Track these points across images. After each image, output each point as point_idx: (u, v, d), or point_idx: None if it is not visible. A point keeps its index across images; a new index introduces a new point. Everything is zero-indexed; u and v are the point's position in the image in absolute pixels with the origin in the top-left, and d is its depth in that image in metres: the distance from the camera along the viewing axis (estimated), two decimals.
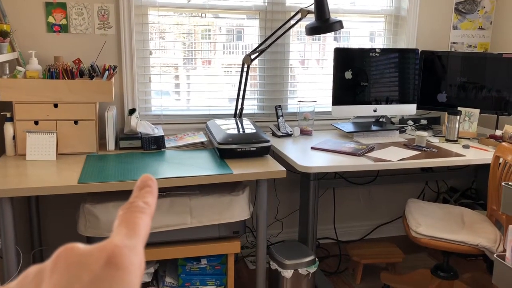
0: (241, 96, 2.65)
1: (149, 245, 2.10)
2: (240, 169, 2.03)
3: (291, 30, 2.77)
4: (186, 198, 2.08)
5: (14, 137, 2.18)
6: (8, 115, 2.19)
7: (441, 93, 2.95)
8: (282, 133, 2.67)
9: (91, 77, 2.26)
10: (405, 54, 2.81)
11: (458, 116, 2.65)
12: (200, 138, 2.48)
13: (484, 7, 3.15)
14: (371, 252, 2.75)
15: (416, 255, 3.05)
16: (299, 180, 2.98)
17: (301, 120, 2.74)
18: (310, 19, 2.55)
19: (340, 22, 2.44)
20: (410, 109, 2.86)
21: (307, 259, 2.24)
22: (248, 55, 2.57)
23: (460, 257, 3.01)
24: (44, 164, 2.06)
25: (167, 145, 2.39)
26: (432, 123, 3.08)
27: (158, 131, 2.42)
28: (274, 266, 2.26)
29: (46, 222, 2.64)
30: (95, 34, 2.49)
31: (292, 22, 2.62)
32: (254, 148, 2.17)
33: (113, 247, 0.27)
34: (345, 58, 2.71)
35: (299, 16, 2.55)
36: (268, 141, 2.20)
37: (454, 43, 3.15)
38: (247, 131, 2.27)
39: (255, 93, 2.89)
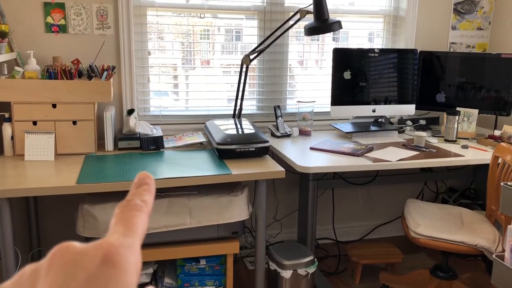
0: (240, 97, 2.65)
1: (148, 245, 2.10)
2: (239, 170, 2.02)
3: (290, 30, 2.77)
4: (185, 198, 2.08)
5: (12, 138, 2.17)
6: (7, 115, 2.18)
7: (440, 93, 2.95)
8: (281, 133, 2.67)
9: (89, 78, 2.26)
10: (404, 55, 2.81)
11: (457, 116, 2.65)
12: (199, 138, 2.48)
13: (483, 8, 3.15)
14: (370, 252, 2.75)
15: (415, 255, 3.05)
16: (298, 180, 2.98)
17: (300, 121, 2.74)
18: (309, 19, 2.55)
19: (339, 22, 2.44)
20: (409, 109, 2.86)
21: (306, 259, 2.23)
22: (247, 56, 2.57)
23: (459, 257, 3.01)
24: (42, 164, 2.05)
25: (166, 145, 2.39)
26: (431, 123, 3.08)
27: (156, 132, 2.41)
28: (273, 266, 2.25)
29: (45, 222, 2.63)
30: (93, 35, 2.49)
31: (291, 22, 2.62)
32: (253, 149, 2.17)
33: (109, 245, 0.27)
34: (344, 59, 2.71)
35: (298, 16, 2.55)
36: (267, 142, 2.20)
37: (452, 43, 3.15)
38: (246, 131, 2.27)
39: (254, 94, 2.89)
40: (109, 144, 2.31)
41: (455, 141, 2.66)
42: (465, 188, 3.30)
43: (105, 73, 2.26)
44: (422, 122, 3.02)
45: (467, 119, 2.77)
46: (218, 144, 2.16)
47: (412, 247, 3.15)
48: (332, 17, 2.49)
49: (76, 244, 0.27)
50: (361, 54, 2.74)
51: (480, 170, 3.14)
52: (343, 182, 2.98)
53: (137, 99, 2.64)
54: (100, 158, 2.18)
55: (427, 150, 2.45)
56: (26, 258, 2.56)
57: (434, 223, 2.24)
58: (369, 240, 3.27)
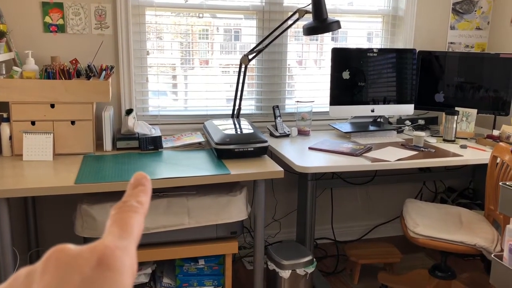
0: (238, 96, 2.65)
1: (147, 245, 2.09)
2: (237, 170, 2.02)
3: (289, 30, 2.77)
4: (184, 198, 2.08)
5: (10, 138, 2.17)
6: (5, 115, 2.18)
7: (439, 93, 2.95)
8: (280, 133, 2.67)
9: (88, 77, 2.26)
10: (403, 54, 2.81)
11: (456, 116, 2.65)
12: (198, 138, 2.47)
13: (481, 7, 3.15)
14: (369, 252, 2.75)
15: (414, 255, 3.05)
16: (297, 180, 2.98)
17: (298, 120, 2.74)
18: (308, 19, 2.55)
19: (337, 22, 2.44)
20: (408, 109, 2.87)
21: (305, 259, 2.23)
22: (246, 55, 2.57)
23: (458, 257, 3.01)
24: (40, 164, 2.05)
25: (164, 145, 2.39)
26: (430, 123, 3.08)
27: (155, 132, 2.41)
28: (271, 266, 2.25)
29: (43, 222, 2.63)
30: (92, 34, 2.48)
31: (290, 22, 2.61)
32: (252, 149, 2.17)
33: (104, 248, 0.27)
34: (342, 58, 2.71)
35: (296, 16, 2.55)
36: (266, 141, 2.20)
37: (451, 43, 3.16)
38: (244, 131, 2.26)
39: (252, 93, 2.89)
40: (108, 144, 2.31)
41: (454, 141, 2.66)
42: (463, 188, 3.30)
43: (104, 73, 2.25)
44: (421, 122, 3.02)
45: (466, 119, 2.77)
46: (216, 144, 2.16)
47: (411, 247, 3.15)
48: (331, 16, 2.49)
49: (71, 247, 0.27)
50: (360, 54, 2.74)
51: (478, 170, 3.14)
52: (342, 182, 2.98)
53: (135, 99, 2.64)
54: (99, 158, 2.17)
55: (426, 150, 2.45)
56: (24, 259, 2.56)
57: (432, 223, 2.24)
58: (368, 240, 3.27)
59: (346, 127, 2.76)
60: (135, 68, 2.61)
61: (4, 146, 2.17)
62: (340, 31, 2.96)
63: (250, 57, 2.57)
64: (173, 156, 2.24)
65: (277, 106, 2.71)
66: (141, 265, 2.20)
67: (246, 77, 2.69)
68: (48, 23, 2.41)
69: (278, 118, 2.69)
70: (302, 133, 2.74)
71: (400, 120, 3.03)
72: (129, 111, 2.47)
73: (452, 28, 3.14)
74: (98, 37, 2.50)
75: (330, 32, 2.67)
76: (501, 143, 2.13)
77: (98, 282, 0.25)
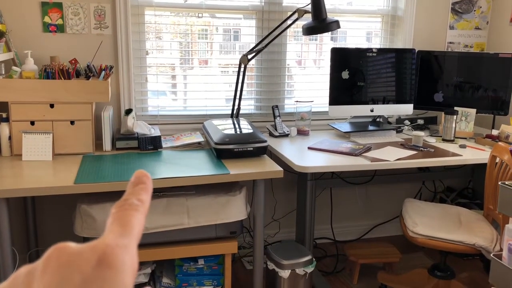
0: (238, 96, 2.65)
1: (146, 245, 2.09)
2: (237, 169, 2.02)
3: (288, 30, 2.77)
4: (183, 198, 2.08)
5: (10, 138, 2.17)
6: (4, 115, 2.18)
7: (438, 93, 2.95)
8: (279, 133, 2.67)
9: (87, 77, 2.26)
10: (402, 54, 2.81)
11: (455, 116, 2.65)
12: (197, 138, 2.47)
13: (481, 7, 3.16)
14: (368, 252, 2.75)
15: (413, 254, 3.05)
16: (296, 180, 2.98)
17: (298, 120, 2.74)
18: (307, 19, 2.55)
19: (337, 22, 2.44)
20: (407, 109, 2.87)
21: (304, 259, 2.23)
22: (245, 55, 2.56)
23: (457, 257, 3.01)
24: (40, 164, 2.05)
25: (163, 145, 2.39)
26: (429, 123, 3.08)
27: (154, 132, 2.41)
28: (271, 266, 2.25)
29: (42, 222, 2.63)
30: (91, 34, 2.48)
31: (289, 22, 2.61)
32: (251, 148, 2.17)
33: (105, 246, 0.27)
34: (342, 58, 2.71)
35: (296, 16, 2.55)
36: (265, 141, 2.20)
37: (450, 43, 3.16)
38: (244, 131, 2.26)
39: (252, 93, 2.89)
40: (107, 144, 2.31)
41: (453, 140, 2.66)
42: (463, 187, 3.30)
43: (103, 73, 2.25)
44: (420, 121, 3.02)
45: (465, 119, 2.77)
46: (216, 144, 2.16)
47: (410, 246, 3.15)
48: (330, 16, 2.49)
49: (72, 245, 0.27)
50: (359, 53, 2.74)
51: (478, 169, 3.15)
52: (341, 181, 2.98)
53: (135, 99, 2.64)
54: (98, 158, 2.17)
55: (425, 149, 2.45)
56: (24, 258, 2.56)
57: (432, 223, 2.24)
58: (367, 239, 3.27)
59: (345, 127, 2.76)
60: (134, 68, 2.61)
61: (3, 146, 2.17)
62: (340, 31, 2.96)
63: (249, 57, 2.57)
64: (172, 156, 2.24)
65: (277, 106, 2.71)
66: (141, 265, 2.20)
67: (246, 77, 2.69)
68: (47, 23, 2.41)
69: (278, 118, 2.69)
70: (301, 133, 2.74)
71: (399, 120, 3.03)
72: (128, 111, 2.47)
73: (451, 28, 3.14)
74: (97, 37, 2.49)
75: (330, 32, 2.67)
76: (500, 143, 2.14)
77: (99, 280, 0.25)
